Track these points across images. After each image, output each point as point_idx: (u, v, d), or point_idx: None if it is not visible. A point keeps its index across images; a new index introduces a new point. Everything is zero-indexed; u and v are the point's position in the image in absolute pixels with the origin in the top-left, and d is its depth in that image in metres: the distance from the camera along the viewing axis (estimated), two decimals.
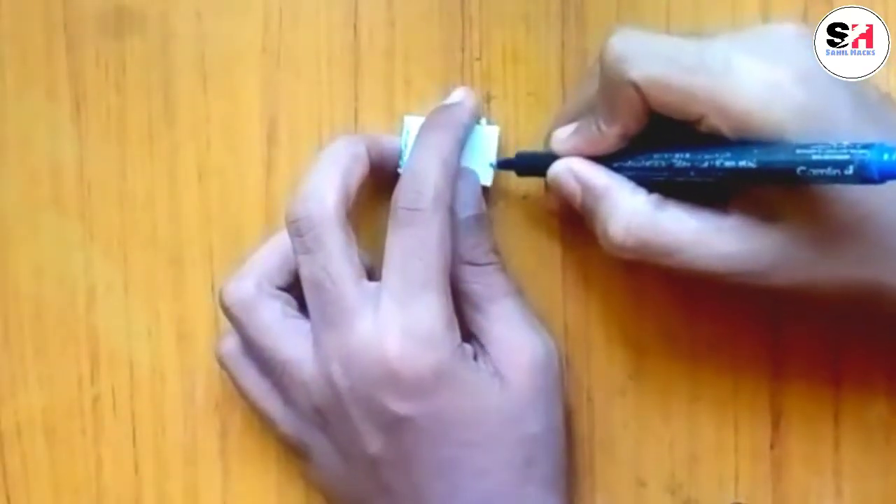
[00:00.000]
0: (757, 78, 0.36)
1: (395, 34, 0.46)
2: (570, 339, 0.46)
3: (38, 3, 0.48)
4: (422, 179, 0.41)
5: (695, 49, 0.38)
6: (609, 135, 0.40)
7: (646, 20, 0.45)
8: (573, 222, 0.45)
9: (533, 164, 0.44)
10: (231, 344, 0.45)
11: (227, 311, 0.44)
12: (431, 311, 0.40)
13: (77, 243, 0.49)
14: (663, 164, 0.39)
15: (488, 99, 0.46)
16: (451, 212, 0.42)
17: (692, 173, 0.38)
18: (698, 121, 0.37)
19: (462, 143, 0.43)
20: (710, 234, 0.38)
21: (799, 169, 0.35)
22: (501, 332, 0.43)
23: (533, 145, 0.45)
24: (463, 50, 0.46)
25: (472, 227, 0.43)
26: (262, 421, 0.46)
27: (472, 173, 0.44)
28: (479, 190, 0.44)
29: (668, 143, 0.39)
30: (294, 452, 0.46)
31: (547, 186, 0.44)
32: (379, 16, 0.46)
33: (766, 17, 0.44)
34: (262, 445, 0.48)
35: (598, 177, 0.41)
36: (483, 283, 0.43)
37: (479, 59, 0.46)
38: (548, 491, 0.43)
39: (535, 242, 0.46)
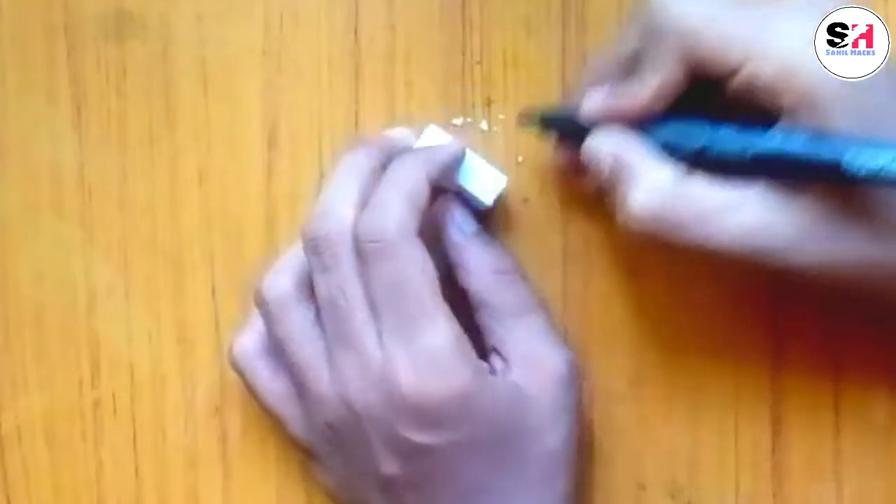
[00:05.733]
0: (798, 30, 0.37)
1: (395, 38, 0.46)
2: (571, 344, 0.45)
3: (39, 7, 0.48)
4: (384, 212, 0.40)
5: (735, 4, 0.38)
6: (647, 87, 0.39)
7: None
8: (575, 225, 0.45)
9: (556, 119, 0.43)
10: (246, 343, 0.45)
11: (264, 305, 0.43)
12: (439, 340, 0.40)
13: (77, 247, 0.49)
14: (700, 144, 0.39)
15: (489, 103, 0.46)
16: (433, 237, 0.42)
17: (728, 150, 0.38)
18: (737, 71, 0.37)
19: (435, 178, 0.42)
20: (732, 208, 0.38)
21: (845, 163, 0.34)
22: (524, 346, 0.42)
23: (532, 149, 0.46)
24: (463, 53, 0.46)
25: (487, 241, 0.43)
26: (273, 421, 0.46)
27: (465, 194, 0.44)
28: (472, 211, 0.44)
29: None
30: (302, 452, 0.46)
31: (558, 143, 0.44)
32: (379, 19, 0.46)
33: None
34: (263, 449, 0.48)
35: (630, 147, 0.40)
36: (505, 296, 0.43)
37: (479, 62, 0.46)
38: None
39: (535, 247, 0.46)
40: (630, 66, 0.40)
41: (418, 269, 0.40)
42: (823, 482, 0.45)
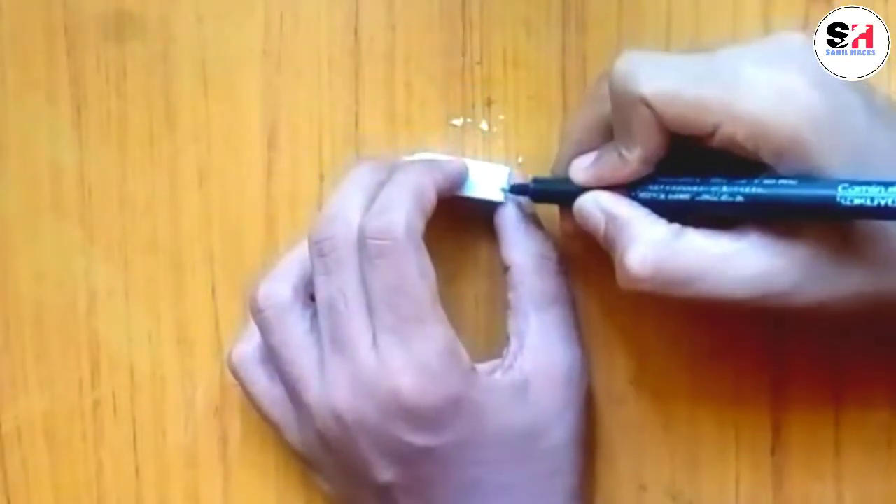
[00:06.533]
0: (768, 84, 0.36)
1: (395, 38, 0.46)
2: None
3: (39, 7, 0.48)
4: (392, 211, 0.40)
5: (702, 60, 0.37)
6: (631, 160, 0.39)
7: (646, 24, 0.45)
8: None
9: (548, 190, 0.43)
10: (245, 350, 0.45)
11: (259, 313, 0.43)
12: (435, 344, 0.40)
13: (77, 247, 0.49)
14: (688, 197, 0.39)
15: (489, 103, 0.46)
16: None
17: (722, 195, 0.38)
18: (713, 133, 0.36)
19: (442, 187, 0.42)
20: (730, 257, 0.37)
21: (840, 196, 0.34)
22: (542, 336, 0.43)
23: (533, 150, 0.46)
24: (464, 54, 0.46)
25: (539, 226, 0.44)
26: (270, 428, 0.46)
27: (476, 202, 0.44)
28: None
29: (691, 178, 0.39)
30: (302, 461, 0.46)
31: (561, 212, 0.43)
32: (379, 20, 0.46)
33: (766, 19, 0.43)
34: (263, 450, 0.48)
35: (622, 207, 0.40)
36: (541, 282, 0.43)
37: (479, 63, 0.46)
38: (571, 501, 0.43)
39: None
40: (609, 129, 0.40)
41: (420, 271, 0.40)
42: (823, 483, 0.45)
